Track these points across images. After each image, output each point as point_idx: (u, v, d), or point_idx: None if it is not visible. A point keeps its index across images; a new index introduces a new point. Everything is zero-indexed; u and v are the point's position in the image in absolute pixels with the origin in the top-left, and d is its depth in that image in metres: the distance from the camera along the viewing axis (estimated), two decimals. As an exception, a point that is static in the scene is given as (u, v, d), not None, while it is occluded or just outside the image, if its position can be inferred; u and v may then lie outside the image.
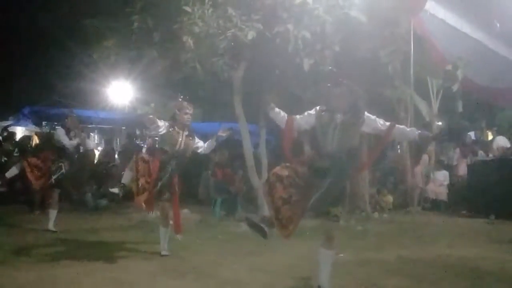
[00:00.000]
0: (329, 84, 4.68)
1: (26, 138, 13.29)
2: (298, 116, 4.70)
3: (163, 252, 6.19)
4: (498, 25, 11.06)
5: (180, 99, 6.41)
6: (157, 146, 6.64)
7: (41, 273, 5.23)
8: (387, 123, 4.47)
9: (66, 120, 8.16)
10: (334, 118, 4.45)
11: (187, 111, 6.28)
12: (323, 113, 4.54)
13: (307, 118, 4.64)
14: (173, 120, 6.27)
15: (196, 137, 6.50)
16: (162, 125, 6.18)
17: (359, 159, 4.54)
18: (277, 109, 4.79)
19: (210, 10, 7.74)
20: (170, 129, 6.21)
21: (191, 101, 6.43)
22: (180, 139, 6.27)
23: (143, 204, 6.19)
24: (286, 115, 4.74)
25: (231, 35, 7.71)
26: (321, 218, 4.68)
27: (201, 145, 6.59)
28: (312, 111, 4.62)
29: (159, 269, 5.48)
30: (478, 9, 10.88)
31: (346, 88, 4.54)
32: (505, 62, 12.60)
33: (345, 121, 4.43)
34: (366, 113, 4.51)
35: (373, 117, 4.51)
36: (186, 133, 6.31)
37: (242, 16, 7.72)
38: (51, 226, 7.80)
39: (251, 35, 7.61)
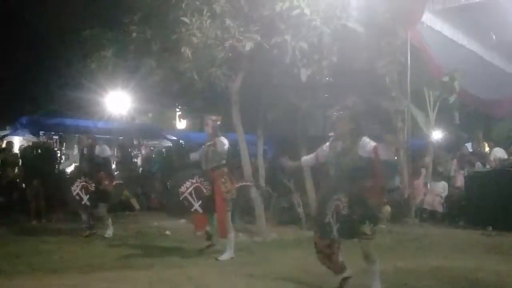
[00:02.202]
0: (336, 111, 4.97)
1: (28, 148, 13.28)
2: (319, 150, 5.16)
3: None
4: (494, 37, 11.15)
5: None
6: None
7: (38, 283, 5.21)
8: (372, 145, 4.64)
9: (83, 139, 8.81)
10: (337, 144, 4.81)
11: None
12: (331, 140, 4.91)
13: (322, 151, 5.09)
14: None
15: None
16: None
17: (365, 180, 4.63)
18: (304, 158, 5.47)
19: (208, 21, 7.78)
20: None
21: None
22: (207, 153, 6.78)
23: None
24: (312, 155, 5.27)
25: (229, 46, 7.74)
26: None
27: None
28: (326, 144, 5.02)
29: (156, 280, 5.45)
30: (475, 21, 10.98)
31: (348, 113, 4.87)
32: (501, 73, 12.68)
33: (346, 146, 4.74)
34: (364, 137, 4.72)
35: (367, 140, 4.69)
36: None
37: (240, 27, 7.76)
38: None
39: (249, 45, 7.65)
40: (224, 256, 6.55)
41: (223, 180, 6.55)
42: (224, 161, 6.68)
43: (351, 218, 4.51)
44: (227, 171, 6.66)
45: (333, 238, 4.60)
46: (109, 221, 8.59)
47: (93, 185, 8.39)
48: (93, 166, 8.51)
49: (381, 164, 4.59)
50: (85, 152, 8.65)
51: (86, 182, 8.39)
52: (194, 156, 6.93)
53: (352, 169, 4.64)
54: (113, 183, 8.74)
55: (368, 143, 4.66)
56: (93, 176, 8.45)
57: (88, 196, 8.33)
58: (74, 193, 8.32)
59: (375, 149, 4.58)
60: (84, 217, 8.55)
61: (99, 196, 8.42)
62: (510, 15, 10.72)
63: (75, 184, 8.37)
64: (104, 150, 8.66)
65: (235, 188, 6.65)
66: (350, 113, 4.87)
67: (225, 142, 6.61)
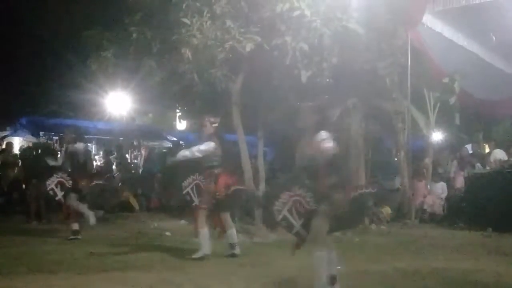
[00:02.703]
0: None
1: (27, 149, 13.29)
2: None
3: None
4: (494, 38, 11.16)
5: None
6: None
7: (37, 284, 5.20)
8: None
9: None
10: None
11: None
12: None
13: None
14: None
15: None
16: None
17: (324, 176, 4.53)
18: None
19: (208, 22, 7.79)
20: None
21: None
22: None
23: None
24: None
25: (229, 47, 7.75)
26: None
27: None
28: None
29: (156, 281, 5.45)
30: (475, 23, 10.99)
31: (312, 105, 4.87)
32: (501, 74, 12.70)
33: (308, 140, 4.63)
34: (322, 132, 4.56)
35: (320, 134, 4.54)
36: None
37: (240, 28, 7.77)
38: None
39: (249, 47, 7.66)
40: (197, 254, 6.58)
41: (209, 180, 6.63)
42: (215, 163, 6.69)
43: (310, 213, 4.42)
44: (216, 173, 6.69)
45: None
46: (86, 209, 8.30)
47: (70, 182, 8.14)
48: (73, 163, 8.29)
49: (324, 160, 4.45)
50: (67, 148, 8.42)
51: (62, 178, 8.14)
52: (183, 153, 6.87)
53: (309, 163, 4.56)
54: (92, 183, 8.44)
55: (317, 138, 4.53)
56: (72, 173, 8.22)
57: (63, 193, 8.11)
58: (49, 188, 8.12)
59: (315, 144, 4.48)
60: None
61: (74, 194, 8.19)
62: (510, 17, 10.73)
63: (51, 179, 8.15)
64: (81, 148, 8.45)
65: (223, 191, 6.66)
66: (313, 105, 4.80)
67: (208, 146, 6.65)
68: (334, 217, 4.41)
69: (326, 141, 4.46)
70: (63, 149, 8.96)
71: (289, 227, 4.65)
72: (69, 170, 8.28)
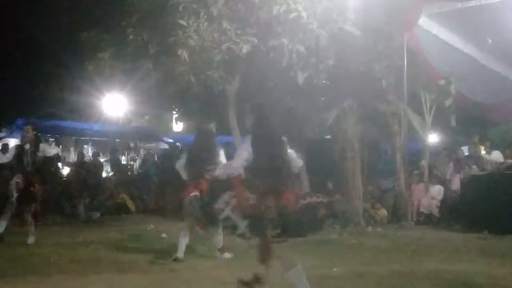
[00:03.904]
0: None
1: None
2: None
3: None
4: (489, 40, 11.18)
5: None
6: None
7: (33, 286, 5.19)
8: None
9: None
10: None
11: None
12: None
13: None
14: None
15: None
16: None
17: None
18: None
19: (205, 24, 7.80)
20: None
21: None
22: None
23: None
24: None
25: (226, 49, 7.76)
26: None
27: None
28: None
29: (152, 283, 5.44)
30: (471, 25, 11.01)
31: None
32: (497, 77, 12.71)
33: None
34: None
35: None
36: None
37: (237, 30, 7.78)
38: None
39: (245, 48, 7.67)
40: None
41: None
42: None
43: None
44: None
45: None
46: (31, 228, 7.80)
47: (23, 184, 7.66)
48: (32, 164, 7.74)
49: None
50: (26, 147, 7.73)
51: (20, 180, 7.63)
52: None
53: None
54: (44, 187, 8.12)
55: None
56: (28, 175, 7.71)
57: (17, 195, 7.63)
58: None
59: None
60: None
61: (26, 197, 7.70)
62: (506, 19, 10.76)
63: (13, 179, 7.66)
64: (46, 149, 8.12)
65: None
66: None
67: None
68: (283, 224, 4.22)
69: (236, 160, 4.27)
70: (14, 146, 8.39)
71: (233, 227, 4.41)
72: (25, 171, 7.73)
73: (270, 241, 4.17)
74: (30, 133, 7.77)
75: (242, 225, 4.22)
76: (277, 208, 4.12)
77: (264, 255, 4.17)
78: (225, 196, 4.25)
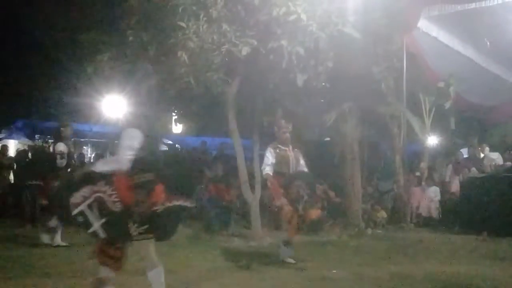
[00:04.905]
0: None
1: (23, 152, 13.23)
2: None
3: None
4: (488, 43, 11.20)
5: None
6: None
7: (33, 286, 5.19)
8: None
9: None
10: None
11: (285, 130, 6.71)
12: None
13: None
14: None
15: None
16: None
17: None
18: None
19: (204, 26, 7.79)
20: (277, 150, 6.47)
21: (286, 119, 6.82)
22: (291, 157, 6.61)
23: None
24: None
25: (226, 51, 7.75)
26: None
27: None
28: None
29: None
30: (470, 28, 11.03)
31: None
32: (496, 79, 12.74)
33: None
34: None
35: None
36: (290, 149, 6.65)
37: (236, 32, 7.77)
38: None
39: (245, 50, 7.66)
40: None
41: None
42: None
43: None
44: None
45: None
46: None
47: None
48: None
49: None
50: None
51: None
52: None
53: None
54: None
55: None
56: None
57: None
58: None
59: None
60: None
61: None
62: (505, 22, 10.78)
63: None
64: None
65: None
66: None
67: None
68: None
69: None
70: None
71: (86, 224, 4.02)
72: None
73: (119, 244, 4.27)
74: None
75: (97, 224, 3.99)
76: (147, 205, 4.08)
77: (105, 257, 4.25)
78: (85, 191, 3.96)
